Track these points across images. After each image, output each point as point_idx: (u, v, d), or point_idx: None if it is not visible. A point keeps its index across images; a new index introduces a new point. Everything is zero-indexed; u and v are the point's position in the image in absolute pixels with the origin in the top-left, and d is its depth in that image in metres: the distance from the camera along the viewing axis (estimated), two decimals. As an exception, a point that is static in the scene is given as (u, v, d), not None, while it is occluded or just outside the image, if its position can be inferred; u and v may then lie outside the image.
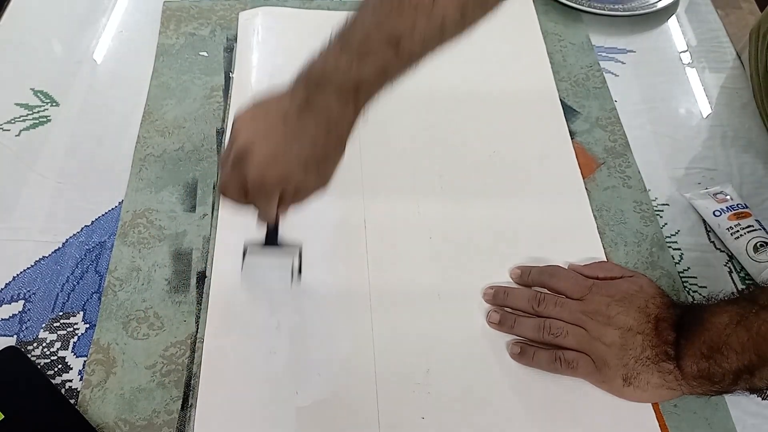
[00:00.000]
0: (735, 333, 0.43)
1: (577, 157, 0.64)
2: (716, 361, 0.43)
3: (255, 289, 0.54)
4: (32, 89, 0.69)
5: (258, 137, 0.43)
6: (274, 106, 0.44)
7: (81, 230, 0.58)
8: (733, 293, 0.46)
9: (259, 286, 0.54)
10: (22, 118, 0.66)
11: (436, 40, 0.44)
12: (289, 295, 0.54)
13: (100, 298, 0.54)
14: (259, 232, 0.51)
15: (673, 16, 0.79)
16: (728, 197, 0.60)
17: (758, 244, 0.56)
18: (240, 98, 0.68)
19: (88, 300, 0.54)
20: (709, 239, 0.59)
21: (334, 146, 0.45)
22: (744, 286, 0.56)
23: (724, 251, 0.58)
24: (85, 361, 0.50)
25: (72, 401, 0.48)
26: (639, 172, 0.63)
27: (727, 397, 0.49)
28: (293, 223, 0.53)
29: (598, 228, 0.59)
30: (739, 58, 0.74)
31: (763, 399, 0.50)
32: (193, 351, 0.51)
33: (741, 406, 0.49)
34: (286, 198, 0.45)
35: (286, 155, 0.43)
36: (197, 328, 0.52)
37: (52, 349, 0.51)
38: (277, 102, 0.44)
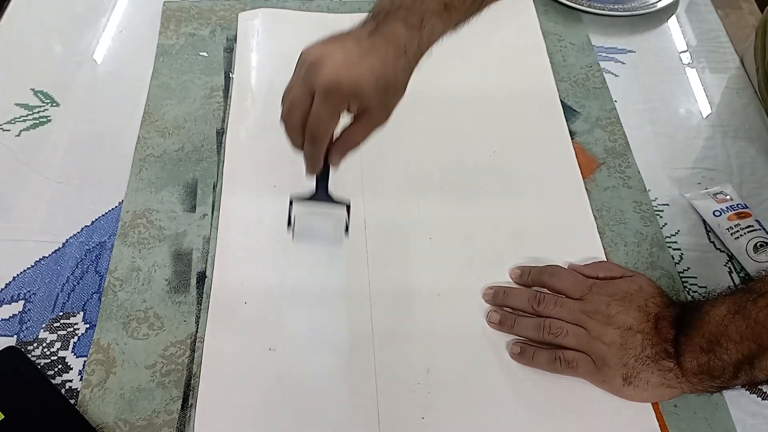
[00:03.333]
0: (733, 323, 0.43)
1: (577, 157, 0.64)
2: (716, 354, 0.43)
3: (307, 242, 0.52)
4: (32, 89, 0.69)
5: (333, 50, 0.43)
6: (346, 35, 0.45)
7: (81, 230, 0.58)
8: (729, 287, 0.46)
9: (311, 238, 0.51)
10: (22, 118, 0.66)
11: None
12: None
13: (100, 299, 0.54)
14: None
15: (673, 16, 0.79)
16: (728, 197, 0.60)
17: (758, 244, 0.56)
18: (240, 99, 0.68)
19: (88, 300, 0.54)
20: (709, 239, 0.59)
21: (402, 72, 0.45)
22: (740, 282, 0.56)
23: (724, 251, 0.58)
24: (85, 361, 0.50)
25: (72, 401, 0.48)
26: (639, 172, 0.63)
27: (727, 397, 0.49)
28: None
29: (598, 228, 0.59)
30: (740, 58, 0.74)
31: (763, 399, 0.50)
32: (193, 351, 0.51)
33: (741, 406, 0.49)
34: (350, 130, 0.45)
35: (360, 65, 0.42)
36: (197, 328, 0.52)
37: (52, 349, 0.51)
38: (348, 33, 0.45)
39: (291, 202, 0.50)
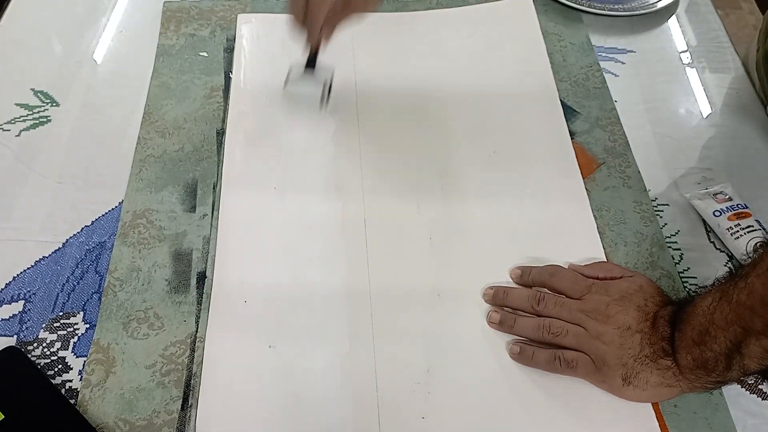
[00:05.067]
0: (719, 309, 0.43)
1: (577, 157, 0.64)
2: (707, 345, 0.43)
3: (289, 112, 0.65)
4: (32, 89, 0.69)
5: None
6: None
7: (81, 230, 0.58)
8: (717, 278, 0.46)
9: (293, 109, 0.65)
10: (22, 118, 0.66)
11: None
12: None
13: (100, 299, 0.54)
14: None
15: (673, 16, 0.79)
16: (728, 197, 0.59)
17: (758, 244, 0.56)
18: (238, 100, 0.68)
19: (88, 300, 0.54)
20: (709, 239, 0.59)
21: None
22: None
23: (724, 251, 0.58)
24: (84, 361, 0.51)
25: (72, 401, 0.48)
26: (639, 172, 0.63)
27: (727, 397, 0.49)
28: (294, 220, 0.54)
29: (598, 228, 0.59)
30: (740, 58, 0.74)
31: (763, 399, 0.50)
32: (193, 350, 0.51)
33: (741, 406, 0.49)
34: (333, 13, 0.56)
35: None
36: (197, 328, 0.52)
37: (52, 349, 0.51)
38: None
39: (289, 71, 0.64)
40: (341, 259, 0.56)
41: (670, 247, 0.58)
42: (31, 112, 0.67)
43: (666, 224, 0.60)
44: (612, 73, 0.72)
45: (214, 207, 0.60)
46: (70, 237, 0.58)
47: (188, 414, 0.48)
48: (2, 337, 0.52)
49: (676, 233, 0.59)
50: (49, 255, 0.56)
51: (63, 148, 0.64)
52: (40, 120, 0.66)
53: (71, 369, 0.50)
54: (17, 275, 0.55)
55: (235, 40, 0.73)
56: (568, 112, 0.68)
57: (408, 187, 0.61)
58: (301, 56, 0.61)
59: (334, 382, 0.50)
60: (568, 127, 0.66)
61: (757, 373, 0.45)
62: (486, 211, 0.60)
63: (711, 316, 0.43)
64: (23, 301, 0.54)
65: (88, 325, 0.53)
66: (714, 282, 0.46)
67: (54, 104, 0.68)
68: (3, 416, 0.46)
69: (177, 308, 0.53)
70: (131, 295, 0.54)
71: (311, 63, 0.61)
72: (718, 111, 0.69)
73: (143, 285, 0.55)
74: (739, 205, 0.59)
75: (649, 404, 0.49)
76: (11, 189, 0.61)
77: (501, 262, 0.56)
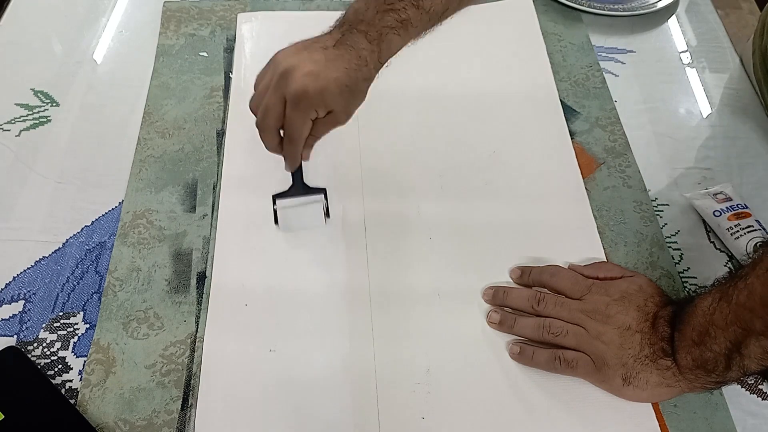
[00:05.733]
0: (718, 309, 0.43)
1: (577, 157, 0.64)
2: (706, 345, 0.43)
3: (293, 232, 0.58)
4: (32, 89, 0.69)
5: (301, 60, 0.48)
6: (314, 42, 0.50)
7: (81, 230, 0.58)
8: (717, 279, 0.46)
9: (296, 227, 0.58)
10: (22, 118, 0.66)
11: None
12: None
13: (100, 299, 0.54)
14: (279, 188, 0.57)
15: (673, 16, 0.79)
16: (728, 197, 0.59)
17: (758, 244, 0.56)
18: (238, 100, 0.68)
19: (88, 300, 0.54)
20: (709, 239, 0.59)
21: (363, 81, 0.50)
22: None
23: (724, 251, 0.58)
24: (84, 361, 0.50)
25: (72, 401, 0.48)
26: (639, 172, 0.63)
27: (727, 397, 0.49)
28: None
29: (598, 228, 0.59)
30: (739, 57, 0.74)
31: (763, 399, 0.50)
32: (193, 350, 0.51)
33: (741, 406, 0.49)
34: (315, 129, 0.50)
35: (326, 75, 0.48)
36: (197, 328, 0.52)
37: (52, 349, 0.51)
38: (315, 40, 0.50)
39: (274, 200, 0.57)
40: (341, 259, 0.56)
41: (670, 247, 0.58)
42: (31, 112, 0.67)
43: (666, 224, 0.60)
44: (612, 73, 0.72)
45: (214, 207, 0.60)
46: (70, 237, 0.58)
47: (188, 414, 0.48)
48: (2, 337, 0.52)
49: (676, 233, 0.59)
50: (49, 255, 0.56)
51: (63, 148, 0.64)
52: (40, 120, 0.66)
53: (71, 369, 0.50)
54: (17, 275, 0.55)
55: (235, 39, 0.73)
56: (568, 112, 0.68)
57: (408, 187, 0.61)
58: (282, 179, 0.56)
59: (334, 382, 0.50)
60: (568, 127, 0.66)
61: (756, 373, 0.45)
62: (486, 210, 0.60)
63: (711, 316, 0.43)
64: (23, 301, 0.54)
65: (88, 325, 0.53)
66: (714, 282, 0.46)
67: (54, 104, 0.68)
68: (3, 416, 0.46)
69: (177, 308, 0.53)
70: (131, 295, 0.54)
71: (298, 182, 0.56)
72: (717, 111, 0.69)
73: (143, 285, 0.55)
74: (739, 205, 0.59)
75: (649, 404, 0.49)
76: (11, 189, 0.61)
77: (501, 262, 0.56)
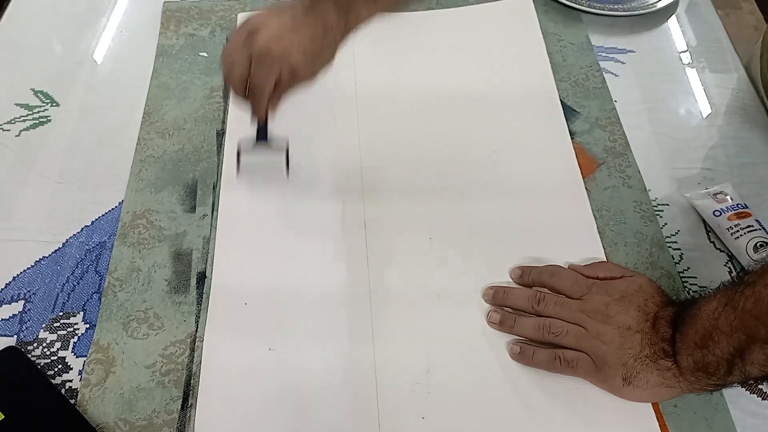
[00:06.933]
0: (723, 314, 0.43)
1: (577, 157, 0.64)
2: (709, 349, 0.43)
3: (253, 186, 0.60)
4: (32, 89, 0.69)
5: (269, 21, 0.51)
6: (283, 8, 0.53)
7: (81, 230, 0.58)
8: (723, 282, 0.46)
9: (256, 182, 0.60)
10: (22, 118, 0.66)
11: None
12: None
13: (100, 299, 0.54)
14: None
15: (673, 16, 0.79)
16: (728, 197, 0.59)
17: (758, 244, 0.56)
18: (237, 102, 0.67)
19: (88, 300, 0.54)
20: (709, 239, 0.59)
21: (328, 47, 0.53)
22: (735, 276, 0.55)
23: (724, 251, 0.58)
24: (84, 361, 0.50)
25: (72, 401, 0.48)
26: (639, 172, 0.63)
27: (727, 397, 0.49)
28: (293, 222, 0.54)
29: (598, 228, 0.59)
30: (740, 58, 0.74)
31: (763, 399, 0.50)
32: (192, 350, 0.51)
33: (741, 406, 0.49)
34: (279, 85, 0.52)
35: (290, 38, 0.51)
36: (197, 328, 0.52)
37: (52, 349, 0.51)
38: (289, 5, 0.53)
39: (239, 149, 0.59)
40: (341, 259, 0.56)
41: (670, 247, 0.58)
42: (31, 112, 0.67)
43: (666, 224, 0.60)
44: (612, 73, 0.72)
45: (214, 207, 0.60)
46: (70, 237, 0.58)
47: (188, 414, 0.48)
48: (2, 337, 0.52)
49: (676, 233, 0.59)
50: (49, 255, 0.56)
51: (63, 148, 0.64)
52: (40, 120, 0.66)
53: (71, 369, 0.50)
54: (17, 275, 0.55)
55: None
56: (568, 112, 0.68)
57: (408, 187, 0.61)
58: (249, 128, 0.57)
59: (334, 382, 0.50)
60: (568, 127, 0.66)
61: (758, 378, 0.45)
62: (486, 211, 0.60)
63: (715, 321, 0.43)
64: (23, 301, 0.54)
65: (88, 325, 0.53)
66: (719, 286, 0.46)
67: (54, 104, 0.68)
68: (3, 416, 0.46)
69: (177, 308, 0.53)
70: (131, 295, 0.54)
71: (262, 135, 0.57)
72: (717, 111, 0.69)
73: (143, 285, 0.55)
74: (739, 205, 0.59)
75: (649, 404, 0.49)
76: (11, 189, 0.61)
77: (501, 262, 0.56)
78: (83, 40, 0.74)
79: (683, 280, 0.56)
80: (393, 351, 0.51)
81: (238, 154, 0.59)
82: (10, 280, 0.55)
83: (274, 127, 0.56)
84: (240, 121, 0.66)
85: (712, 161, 0.64)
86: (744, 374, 0.43)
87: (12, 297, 0.54)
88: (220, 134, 0.65)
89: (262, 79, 0.51)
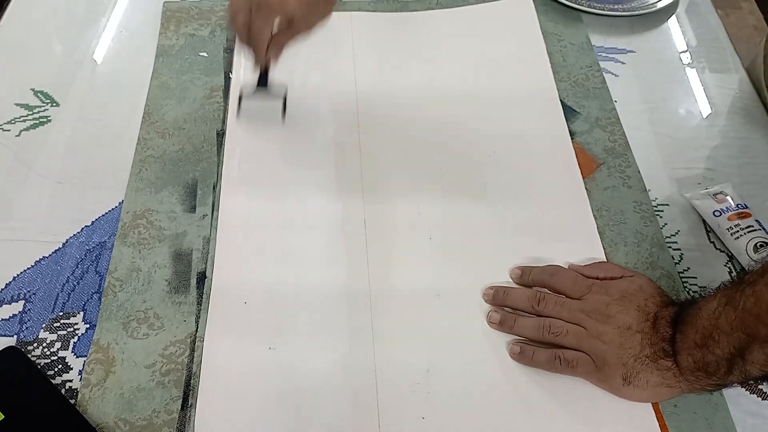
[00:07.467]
0: (724, 314, 0.43)
1: (577, 157, 0.64)
2: (709, 349, 0.43)
3: (250, 127, 0.65)
4: (32, 89, 0.69)
5: None
6: None
7: (81, 230, 0.58)
8: (724, 283, 0.46)
9: (253, 124, 0.65)
10: (22, 118, 0.66)
11: None
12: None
13: (100, 299, 0.54)
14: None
15: (673, 16, 0.79)
16: (728, 197, 0.59)
17: (758, 244, 0.56)
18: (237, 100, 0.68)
19: (88, 300, 0.54)
20: (709, 239, 0.59)
21: (324, 2, 0.57)
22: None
23: (724, 251, 0.58)
24: (84, 361, 0.50)
25: (72, 401, 0.48)
26: (639, 172, 0.63)
27: (727, 397, 0.49)
28: (298, 223, 0.54)
29: (598, 228, 0.59)
30: (741, 61, 0.74)
31: (763, 399, 0.50)
32: (192, 350, 0.51)
33: (741, 406, 0.49)
34: (278, 34, 0.56)
35: None
36: (197, 328, 0.52)
37: (52, 349, 0.51)
38: None
39: (241, 93, 0.63)
40: (341, 259, 0.56)
41: (670, 247, 0.58)
42: (31, 112, 0.67)
43: (666, 224, 0.60)
44: (612, 73, 0.72)
45: (214, 207, 0.60)
46: (70, 237, 0.58)
47: (188, 414, 0.48)
48: (2, 337, 0.52)
49: (676, 233, 0.59)
50: (49, 255, 0.56)
51: (63, 148, 0.64)
52: (40, 120, 0.66)
53: (71, 369, 0.50)
54: (17, 275, 0.55)
55: (235, 39, 0.73)
56: (568, 112, 0.68)
57: (408, 187, 0.61)
58: (251, 75, 0.61)
59: (334, 382, 0.50)
60: (568, 127, 0.66)
61: (758, 378, 0.45)
62: (486, 211, 0.60)
63: (715, 320, 0.43)
64: (23, 301, 0.54)
65: (88, 325, 0.53)
66: (720, 286, 0.46)
67: (54, 104, 0.68)
68: (3, 416, 0.46)
69: (177, 308, 0.53)
70: (131, 295, 0.54)
71: (263, 81, 0.61)
72: (718, 111, 0.69)
73: (143, 285, 0.55)
74: (739, 205, 0.59)
75: (649, 404, 0.49)
76: (11, 189, 0.61)
77: (501, 262, 0.56)
78: (83, 40, 0.74)
79: (683, 280, 0.56)
80: (393, 351, 0.51)
81: (240, 98, 0.63)
82: (10, 280, 0.55)
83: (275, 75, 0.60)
84: (240, 121, 0.66)
85: (713, 161, 0.64)
86: (744, 374, 0.43)
87: (12, 297, 0.54)
88: (220, 134, 0.65)
89: (260, 25, 0.55)
